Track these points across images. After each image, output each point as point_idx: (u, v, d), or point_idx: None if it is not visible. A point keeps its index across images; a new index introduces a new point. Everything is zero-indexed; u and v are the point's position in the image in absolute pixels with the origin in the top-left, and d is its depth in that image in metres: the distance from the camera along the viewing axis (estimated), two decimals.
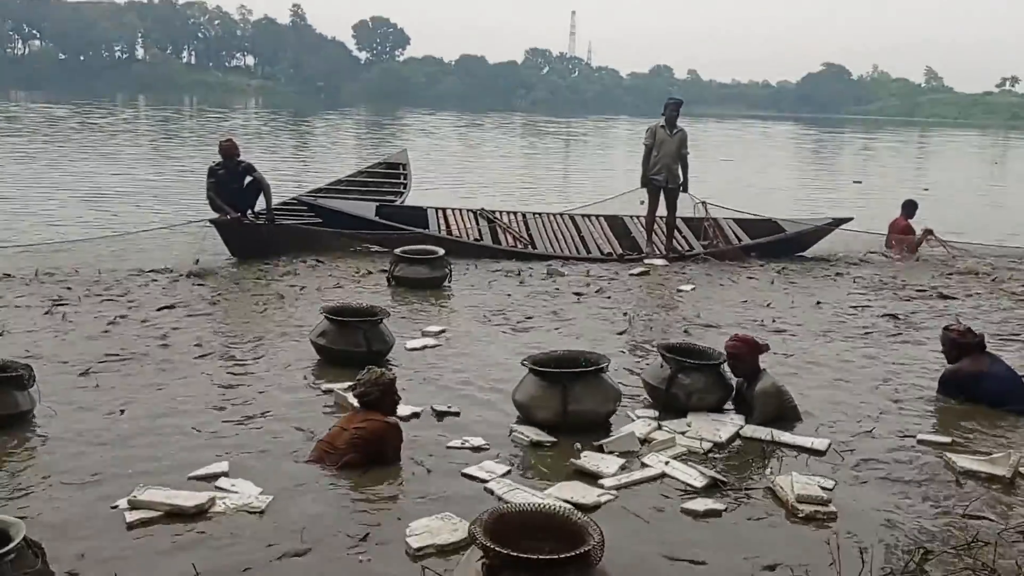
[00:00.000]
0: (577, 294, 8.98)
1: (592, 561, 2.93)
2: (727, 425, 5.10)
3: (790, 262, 11.34)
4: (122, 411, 5.19)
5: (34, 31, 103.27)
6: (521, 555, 2.87)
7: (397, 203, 12.92)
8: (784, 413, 5.24)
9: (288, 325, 7.33)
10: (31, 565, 2.94)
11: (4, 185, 16.66)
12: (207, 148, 25.56)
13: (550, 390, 5.03)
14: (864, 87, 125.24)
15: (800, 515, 4.00)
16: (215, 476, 4.28)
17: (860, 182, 24.91)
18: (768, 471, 4.52)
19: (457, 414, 5.30)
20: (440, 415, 5.27)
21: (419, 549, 3.59)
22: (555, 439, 4.87)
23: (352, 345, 6.18)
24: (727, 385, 5.46)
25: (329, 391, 5.58)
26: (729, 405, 5.44)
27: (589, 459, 4.56)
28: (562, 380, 5.02)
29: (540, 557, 2.89)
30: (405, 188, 14.24)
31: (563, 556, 2.89)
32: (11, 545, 2.84)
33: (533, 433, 4.91)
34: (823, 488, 4.24)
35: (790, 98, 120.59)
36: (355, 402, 5.03)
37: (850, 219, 12.66)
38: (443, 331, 7.22)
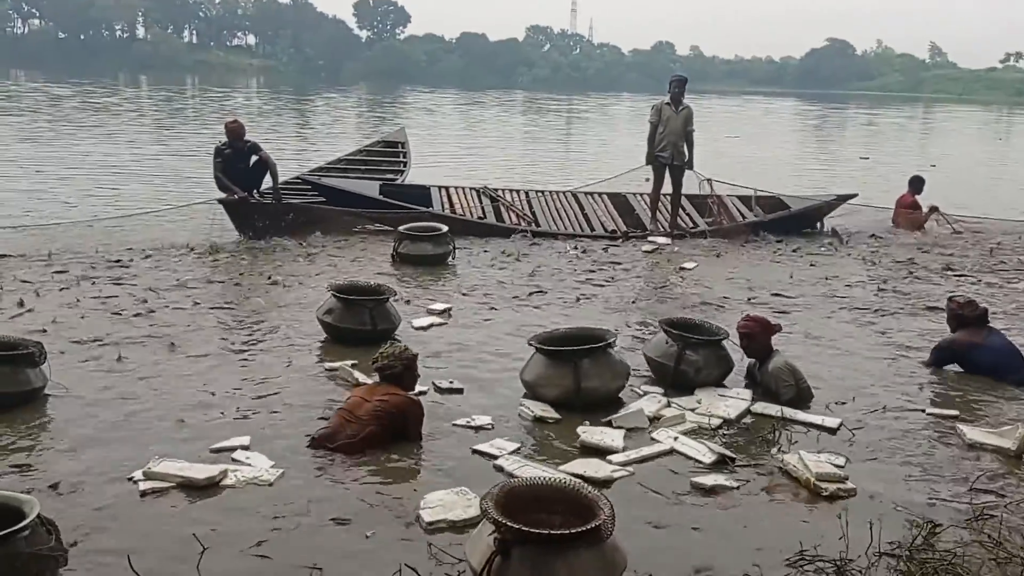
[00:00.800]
0: (579, 271, 8.97)
1: (603, 535, 2.94)
2: (736, 401, 5.10)
3: (795, 238, 11.31)
4: (144, 377, 5.29)
5: (33, 10, 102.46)
6: (532, 530, 2.88)
7: (398, 181, 12.90)
8: (799, 392, 5.21)
9: (295, 303, 7.35)
10: (44, 542, 2.96)
11: (13, 165, 16.60)
12: (211, 127, 25.50)
13: (559, 368, 5.02)
14: (868, 63, 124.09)
15: (825, 494, 3.98)
16: (234, 449, 4.33)
17: (867, 158, 24.74)
18: (778, 448, 4.52)
19: (461, 391, 5.32)
20: (444, 392, 5.28)
21: (431, 523, 3.61)
22: (559, 416, 4.87)
23: (358, 324, 6.19)
24: (729, 360, 5.47)
25: (334, 369, 5.58)
26: (736, 380, 5.44)
27: (591, 434, 4.57)
28: (572, 358, 5.01)
29: (551, 532, 2.90)
30: (405, 166, 14.21)
31: (574, 531, 2.91)
32: (25, 522, 2.86)
33: (539, 409, 4.92)
34: (834, 464, 4.25)
35: (793, 74, 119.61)
36: (360, 376, 5.04)
37: (854, 195, 12.63)
38: (448, 309, 7.23)
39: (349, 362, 5.62)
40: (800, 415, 4.95)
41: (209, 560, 3.30)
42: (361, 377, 5.30)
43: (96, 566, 3.25)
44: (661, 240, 10.78)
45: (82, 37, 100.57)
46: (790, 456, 4.30)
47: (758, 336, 5.34)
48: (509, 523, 2.89)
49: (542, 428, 4.78)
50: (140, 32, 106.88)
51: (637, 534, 3.56)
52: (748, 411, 5.02)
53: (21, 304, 6.96)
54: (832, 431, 4.77)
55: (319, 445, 4.38)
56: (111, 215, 11.45)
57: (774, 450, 4.48)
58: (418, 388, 5.15)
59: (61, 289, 7.57)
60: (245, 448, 4.33)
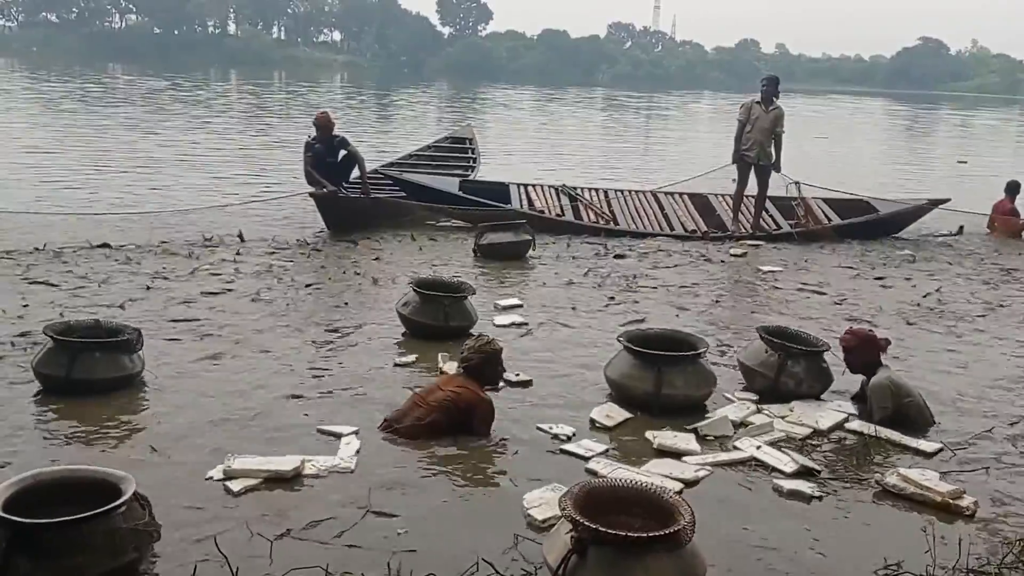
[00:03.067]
0: (658, 271, 8.87)
1: (682, 540, 2.91)
2: (831, 414, 4.89)
3: (884, 244, 10.99)
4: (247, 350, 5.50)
5: (130, 5, 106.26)
6: (610, 531, 2.87)
7: (470, 177, 12.98)
8: (907, 411, 4.88)
9: (379, 296, 7.46)
10: (140, 518, 3.08)
11: (118, 154, 17.17)
12: (297, 121, 26.08)
13: (643, 370, 4.96)
14: (962, 63, 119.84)
15: (967, 513, 3.86)
16: (338, 435, 4.45)
17: (965, 162, 23.81)
18: (867, 463, 4.37)
19: (530, 383, 5.34)
20: (513, 384, 5.28)
21: (544, 520, 3.59)
22: (608, 425, 4.74)
23: (432, 319, 6.22)
24: (829, 374, 5.26)
25: (402, 365, 5.61)
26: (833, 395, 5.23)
27: (664, 438, 4.50)
28: (658, 362, 4.93)
29: (629, 535, 2.88)
30: (475, 162, 14.22)
31: (652, 534, 2.88)
32: (123, 498, 2.98)
33: (603, 415, 4.81)
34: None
35: (883, 73, 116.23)
36: (448, 367, 5.09)
37: (947, 200, 12.18)
38: (519, 305, 7.25)
39: (410, 359, 5.71)
40: (895, 435, 4.69)
41: (292, 550, 3.38)
42: (449, 367, 5.39)
43: (180, 551, 3.33)
44: (750, 242, 10.58)
45: (176, 32, 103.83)
46: (891, 476, 4.11)
47: (857, 351, 5.06)
48: (586, 522, 2.88)
49: (615, 430, 4.71)
50: (231, 28, 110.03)
51: (716, 539, 3.50)
52: (842, 425, 4.80)
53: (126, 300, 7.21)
54: (928, 455, 4.51)
55: (387, 426, 4.50)
56: (201, 205, 11.76)
57: (866, 463, 4.29)
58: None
59: (149, 276, 7.82)
60: (350, 434, 4.44)
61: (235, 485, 3.87)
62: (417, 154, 14.81)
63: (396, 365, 5.65)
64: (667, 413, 4.85)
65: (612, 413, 4.86)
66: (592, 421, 4.78)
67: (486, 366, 4.61)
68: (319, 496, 3.85)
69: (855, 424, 4.83)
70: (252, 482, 3.89)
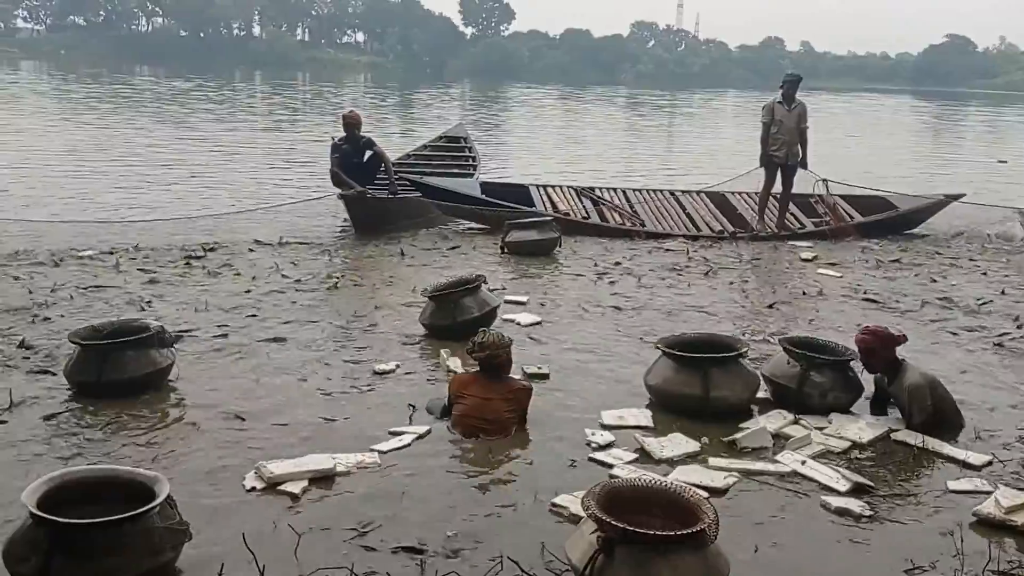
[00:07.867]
0: (690, 272, 8.81)
1: (707, 539, 2.92)
2: (872, 426, 4.73)
3: (905, 241, 10.89)
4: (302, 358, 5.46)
5: (156, 8, 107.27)
6: (638, 530, 2.88)
7: (474, 178, 12.92)
8: (943, 409, 4.76)
9: (396, 295, 7.47)
10: (171, 517, 3.12)
11: (145, 160, 17.29)
12: (321, 121, 26.18)
13: (688, 375, 4.88)
14: (990, 60, 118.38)
15: None
16: (404, 434, 4.50)
17: (1006, 161, 23.44)
18: (917, 477, 4.28)
19: (547, 376, 5.36)
20: (532, 377, 5.27)
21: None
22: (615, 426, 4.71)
23: (441, 320, 6.23)
24: (858, 383, 5.08)
25: (383, 372, 5.53)
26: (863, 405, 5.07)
27: (651, 447, 4.42)
28: (702, 365, 4.86)
29: (656, 533, 2.90)
30: (474, 161, 14.08)
31: (678, 533, 2.90)
32: (160, 499, 3.02)
33: (615, 418, 4.76)
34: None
35: (910, 71, 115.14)
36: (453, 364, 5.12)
37: (962, 195, 12.11)
38: (546, 304, 7.26)
39: (388, 366, 5.63)
40: (946, 448, 4.52)
41: (319, 549, 3.41)
42: (452, 364, 5.46)
43: (208, 549, 3.35)
44: (800, 244, 10.48)
45: (202, 35, 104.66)
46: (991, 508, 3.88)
47: (878, 351, 4.86)
48: (614, 522, 2.89)
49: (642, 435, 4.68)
50: (256, 30, 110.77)
51: (745, 544, 3.51)
52: (886, 435, 4.64)
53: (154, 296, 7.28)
54: (977, 468, 4.33)
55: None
56: (228, 210, 11.85)
57: (916, 477, 4.23)
58: (522, 382, 5.21)
59: (174, 276, 7.91)
60: (421, 436, 4.47)
61: (292, 487, 3.87)
62: (415, 154, 14.64)
63: (375, 372, 5.53)
64: (717, 418, 4.77)
65: (625, 414, 4.81)
66: (601, 424, 4.73)
67: (508, 360, 4.69)
68: (347, 495, 3.88)
69: (900, 435, 4.65)
70: (304, 483, 3.91)
